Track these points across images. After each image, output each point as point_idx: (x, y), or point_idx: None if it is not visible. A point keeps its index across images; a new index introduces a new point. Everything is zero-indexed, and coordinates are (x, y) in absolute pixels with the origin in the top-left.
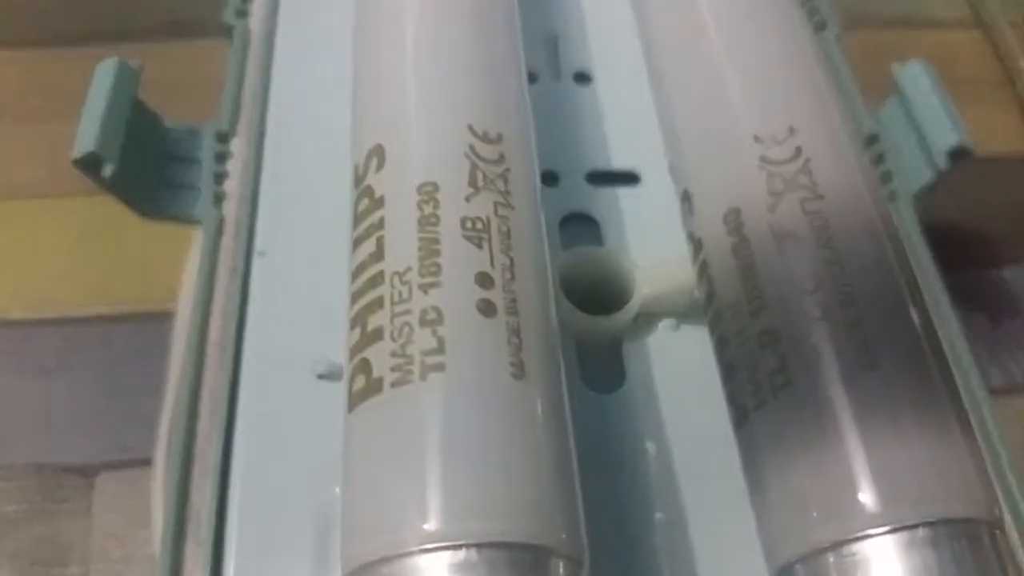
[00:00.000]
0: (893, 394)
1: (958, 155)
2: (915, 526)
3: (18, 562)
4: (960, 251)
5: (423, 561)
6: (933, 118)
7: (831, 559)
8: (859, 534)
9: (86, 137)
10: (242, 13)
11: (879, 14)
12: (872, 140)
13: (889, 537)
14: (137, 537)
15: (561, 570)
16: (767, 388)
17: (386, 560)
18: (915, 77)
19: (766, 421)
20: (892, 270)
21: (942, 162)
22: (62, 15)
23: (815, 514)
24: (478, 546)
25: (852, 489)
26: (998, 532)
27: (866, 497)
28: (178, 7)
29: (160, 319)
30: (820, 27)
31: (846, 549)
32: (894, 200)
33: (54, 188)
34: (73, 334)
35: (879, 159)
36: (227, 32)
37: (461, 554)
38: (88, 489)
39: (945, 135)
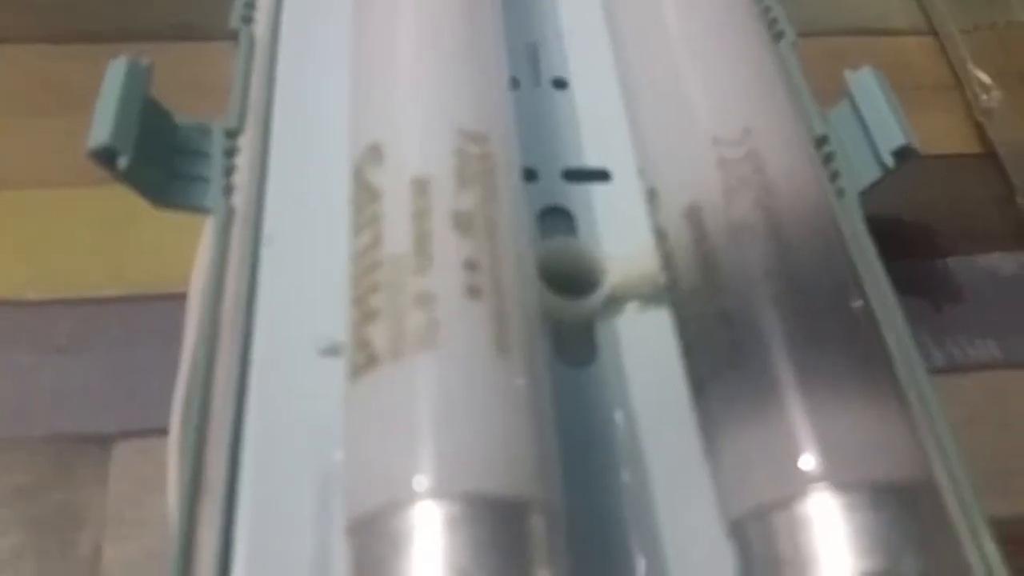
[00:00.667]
0: (833, 368)
1: (904, 155)
2: (851, 485)
3: (36, 527)
4: (908, 243)
5: (417, 512)
6: (881, 120)
7: (777, 515)
8: (801, 492)
9: (101, 130)
10: (247, 19)
11: (838, 21)
12: (823, 141)
13: (828, 495)
14: (152, 502)
15: (539, 522)
16: (721, 362)
17: (384, 512)
18: (865, 83)
19: (720, 392)
20: (835, 259)
21: (889, 161)
22: (70, 13)
23: (762, 474)
24: (465, 499)
25: (795, 452)
26: (929, 492)
27: (807, 459)
28: (182, 10)
29: (173, 300)
30: (778, 36)
31: (790, 506)
32: (841, 196)
33: (66, 179)
34: (89, 314)
35: (828, 158)
36: (233, 36)
37: (451, 506)
38: (104, 457)
39: (892, 136)
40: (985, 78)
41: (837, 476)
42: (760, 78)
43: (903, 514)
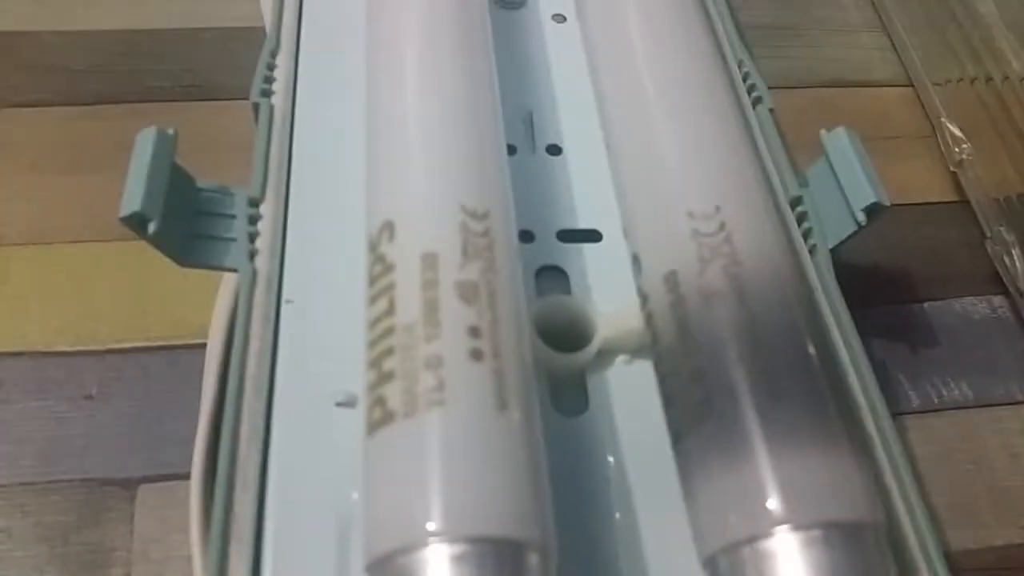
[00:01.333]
0: (792, 422)
1: (874, 211)
2: (810, 526)
3: (67, 565)
4: (886, 288)
5: (427, 552)
6: (853, 179)
7: (745, 551)
8: (766, 532)
9: (132, 198)
10: (266, 92)
11: (823, 74)
12: (797, 201)
13: (790, 534)
14: (175, 541)
15: (535, 560)
16: (695, 416)
17: (398, 552)
18: (838, 142)
19: (695, 441)
20: (796, 320)
21: (861, 218)
22: (92, 77)
23: (732, 515)
24: (469, 540)
25: (761, 496)
26: (879, 533)
27: (771, 503)
28: (195, 72)
29: (192, 351)
30: (757, 102)
31: (756, 543)
32: (814, 253)
33: (91, 234)
34: (113, 364)
35: (801, 218)
36: (245, 98)
37: (456, 546)
38: (130, 500)
39: (863, 194)
40: (956, 131)
41: (796, 517)
42: (732, 157)
43: (853, 550)
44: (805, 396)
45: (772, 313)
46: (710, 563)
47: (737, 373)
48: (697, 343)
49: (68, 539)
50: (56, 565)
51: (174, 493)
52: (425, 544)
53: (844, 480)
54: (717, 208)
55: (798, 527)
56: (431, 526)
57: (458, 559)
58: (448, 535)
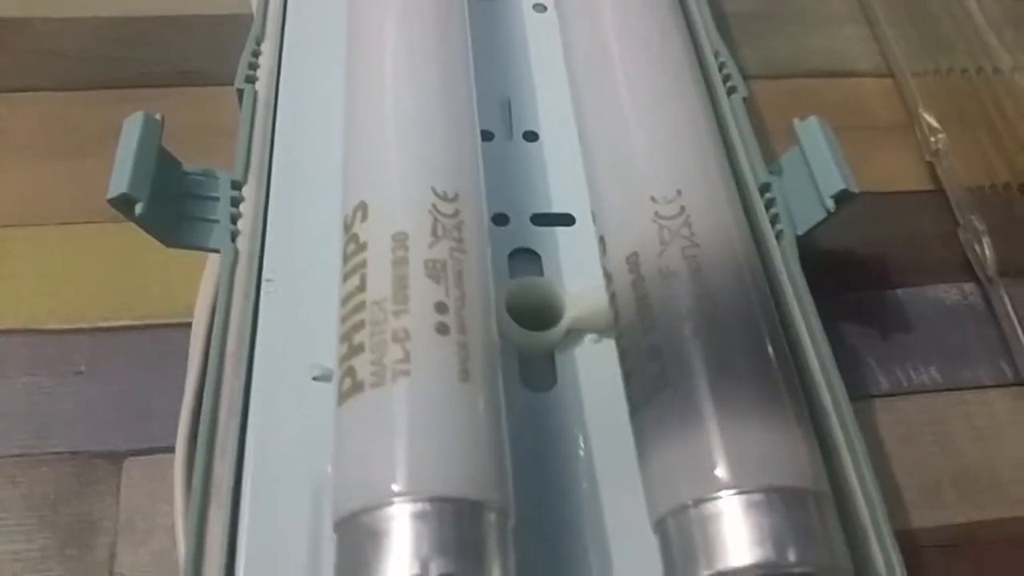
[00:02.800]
0: (741, 394)
1: (843, 198)
2: (753, 489)
3: (57, 534)
4: (861, 274)
5: (392, 510)
6: (823, 167)
7: (691, 512)
8: (712, 495)
9: (119, 180)
10: (250, 79)
11: (804, 64)
12: (765, 188)
13: (734, 497)
14: (159, 511)
15: (492, 519)
16: (650, 389)
17: (365, 510)
18: (811, 131)
19: (650, 412)
20: (750, 301)
21: (830, 204)
22: (84, 63)
23: (681, 480)
24: (431, 500)
25: (708, 462)
26: (822, 499)
27: (717, 468)
28: (187, 59)
29: (178, 330)
30: (731, 91)
31: (702, 505)
32: (780, 238)
33: (81, 216)
34: (102, 342)
35: (770, 204)
36: (238, 94)
37: (419, 505)
38: (117, 473)
39: (832, 181)
40: (933, 121)
41: (739, 482)
42: (696, 144)
43: (792, 515)
44: (753, 371)
45: (726, 293)
46: (660, 526)
47: (690, 349)
48: (654, 320)
49: (57, 509)
50: (46, 533)
51: (159, 466)
52: (390, 503)
53: (787, 450)
54: (678, 192)
55: (741, 490)
56: (395, 486)
57: (420, 516)
58: (411, 495)
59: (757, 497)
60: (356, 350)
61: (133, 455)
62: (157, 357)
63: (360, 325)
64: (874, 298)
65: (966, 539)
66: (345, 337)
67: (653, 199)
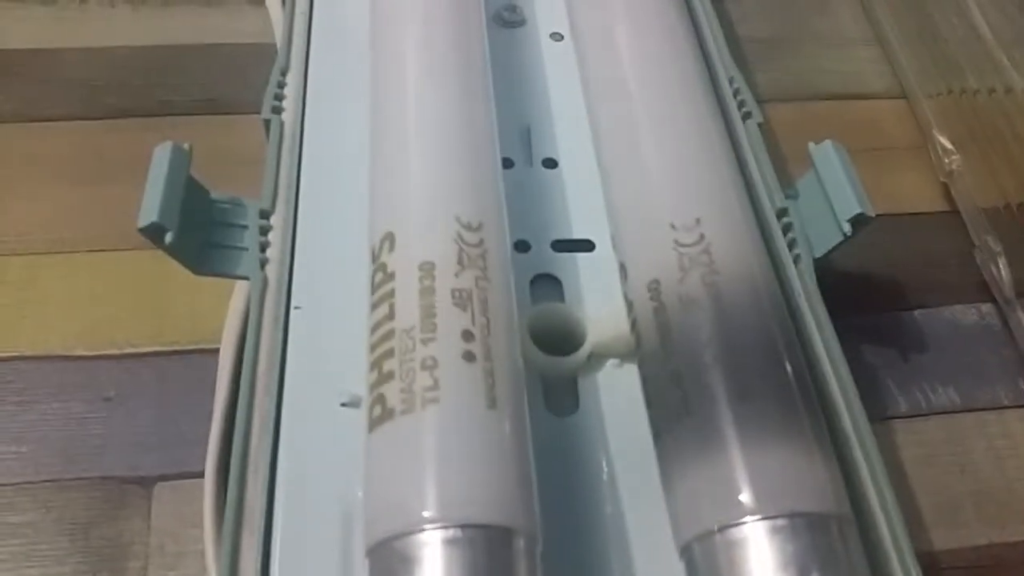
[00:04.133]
0: (763, 420)
1: (860, 222)
2: (776, 515)
3: (88, 558)
4: (878, 295)
5: (424, 537)
6: (839, 191)
7: (717, 539)
8: (736, 521)
9: (150, 209)
10: (276, 109)
11: (818, 87)
12: (782, 213)
13: (758, 523)
14: (189, 536)
15: (520, 544)
16: (673, 416)
17: (396, 536)
18: (826, 155)
19: (673, 439)
20: (769, 326)
21: (847, 228)
22: (110, 92)
23: (705, 506)
24: (461, 526)
25: (732, 489)
26: (845, 523)
27: (741, 494)
28: (210, 87)
29: (205, 356)
30: (746, 116)
31: (727, 531)
32: (797, 263)
33: (110, 243)
34: (131, 368)
35: (787, 229)
36: (265, 125)
37: (449, 532)
38: (147, 497)
39: (848, 205)
40: (947, 143)
41: (763, 508)
42: (714, 171)
43: (815, 540)
44: (775, 397)
45: (746, 319)
46: (686, 551)
47: (711, 375)
48: (676, 347)
49: (89, 534)
50: (77, 558)
51: (189, 491)
52: (421, 529)
53: (810, 475)
54: (698, 220)
55: (765, 516)
56: (426, 513)
57: (450, 543)
58: (442, 521)
59: (781, 523)
60: (386, 377)
61: (163, 480)
62: (185, 383)
63: (389, 353)
64: (891, 319)
65: (988, 560)
66: (375, 365)
67: (673, 226)
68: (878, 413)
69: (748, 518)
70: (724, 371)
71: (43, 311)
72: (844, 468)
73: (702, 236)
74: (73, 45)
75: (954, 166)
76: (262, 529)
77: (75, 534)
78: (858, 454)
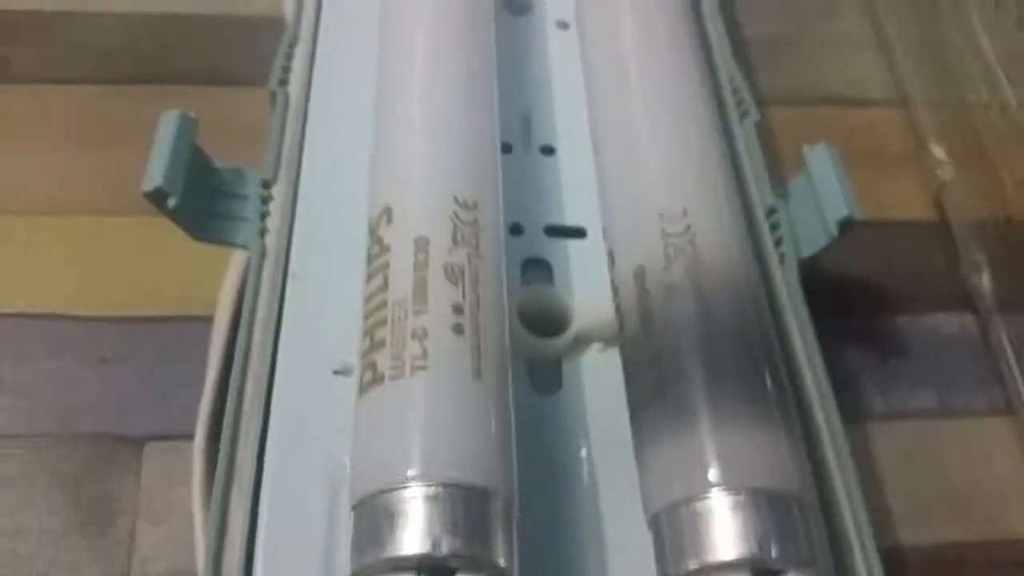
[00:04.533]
0: (733, 401)
1: (847, 225)
2: (740, 491)
3: (78, 510)
4: (864, 300)
5: (407, 492)
6: (829, 193)
7: (683, 510)
8: (702, 494)
9: (154, 174)
10: (283, 81)
11: (817, 91)
12: (772, 211)
13: (722, 496)
14: (177, 494)
15: (499, 507)
16: (649, 395)
17: (382, 491)
18: (819, 158)
19: (648, 416)
20: (746, 317)
21: (834, 230)
22: (118, 58)
23: (674, 479)
24: (444, 484)
25: (699, 464)
26: (806, 504)
27: (708, 469)
28: (219, 58)
29: (200, 322)
30: (744, 115)
31: (692, 503)
32: (783, 261)
33: (113, 207)
34: (129, 331)
35: (775, 227)
36: (271, 96)
37: (432, 488)
38: (137, 456)
39: (837, 208)
40: (942, 153)
41: (727, 482)
42: (705, 164)
43: (777, 517)
44: (746, 382)
45: (725, 309)
46: (654, 521)
47: (688, 360)
48: (656, 332)
49: (80, 487)
50: (68, 509)
51: (178, 451)
52: (406, 485)
53: (775, 455)
54: (685, 211)
55: (729, 490)
56: (411, 471)
57: (432, 499)
58: (425, 479)
59: (743, 497)
60: (378, 345)
61: (153, 440)
62: (179, 347)
63: (382, 322)
64: (875, 324)
65: (952, 558)
66: (368, 333)
67: (661, 216)
68: (856, 413)
69: (713, 491)
70: (700, 356)
71: (44, 271)
72: (813, 458)
73: (688, 227)
74: (86, 9)
75: (946, 177)
76: (251, 488)
77: (66, 487)
78: (828, 446)
